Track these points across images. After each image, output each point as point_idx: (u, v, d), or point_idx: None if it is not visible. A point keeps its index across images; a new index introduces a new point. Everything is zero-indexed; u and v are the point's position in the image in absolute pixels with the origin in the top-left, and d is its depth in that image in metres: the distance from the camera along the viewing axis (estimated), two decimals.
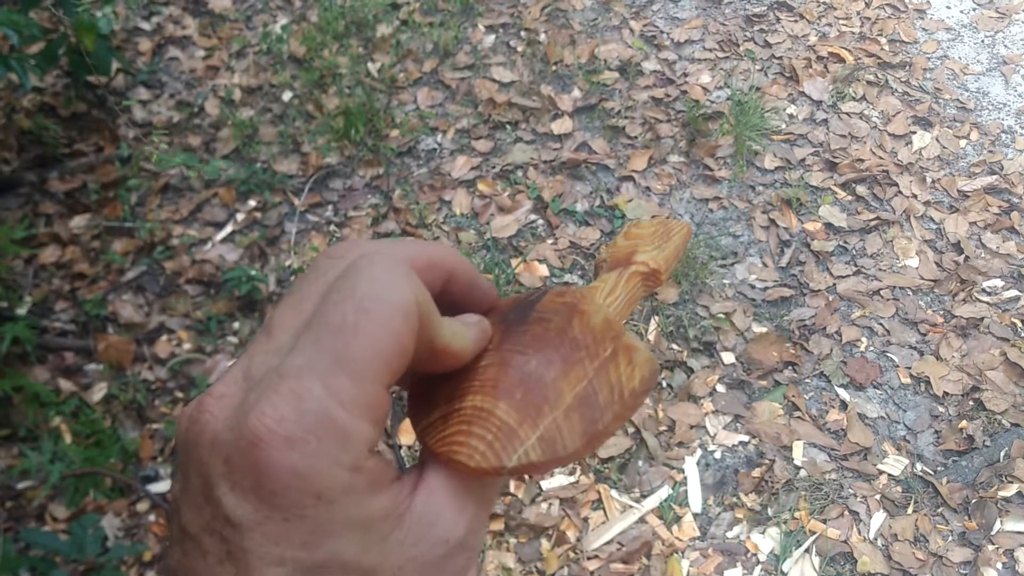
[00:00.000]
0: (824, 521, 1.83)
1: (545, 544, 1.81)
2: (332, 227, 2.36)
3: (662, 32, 2.82)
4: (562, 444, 0.27)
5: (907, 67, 2.70)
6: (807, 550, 1.80)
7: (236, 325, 2.18)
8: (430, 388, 0.30)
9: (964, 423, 1.95)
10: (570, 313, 0.31)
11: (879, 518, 1.84)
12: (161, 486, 1.92)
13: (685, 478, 1.90)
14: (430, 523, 0.26)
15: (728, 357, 2.07)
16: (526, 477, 1.87)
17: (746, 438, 1.96)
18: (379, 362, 0.24)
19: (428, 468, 0.28)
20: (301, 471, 0.23)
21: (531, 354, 0.29)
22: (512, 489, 1.89)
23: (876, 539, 1.81)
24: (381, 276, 0.25)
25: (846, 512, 1.85)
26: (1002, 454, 1.91)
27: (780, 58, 2.73)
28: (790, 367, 2.06)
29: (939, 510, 1.85)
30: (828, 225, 2.33)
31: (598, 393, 0.29)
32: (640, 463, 1.92)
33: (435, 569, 0.26)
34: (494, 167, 2.47)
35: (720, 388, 2.03)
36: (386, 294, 0.25)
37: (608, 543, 1.81)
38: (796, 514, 1.84)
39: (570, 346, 0.30)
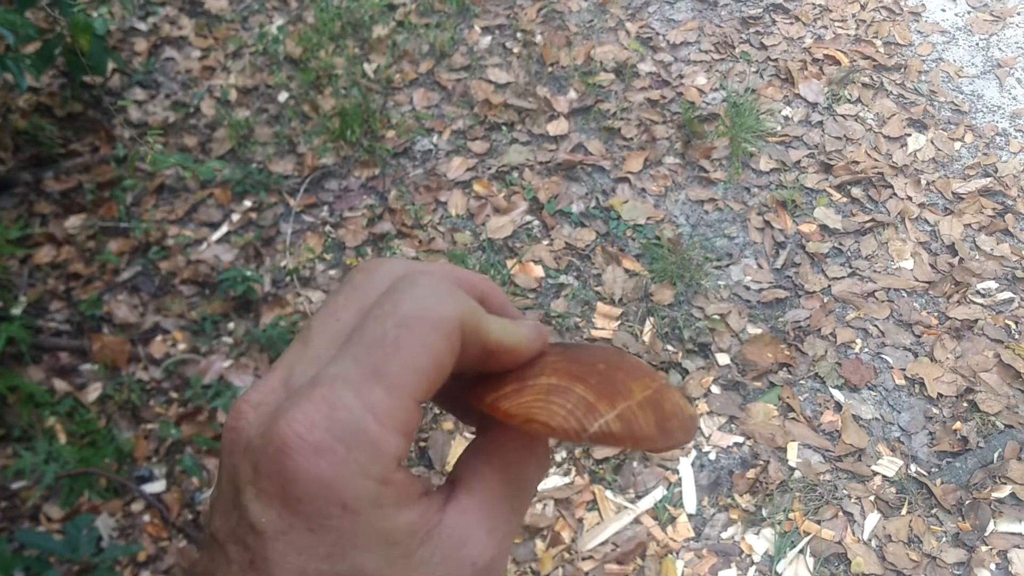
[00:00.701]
0: (818, 522, 1.84)
1: (540, 545, 1.81)
2: (328, 228, 2.36)
3: (658, 34, 2.82)
4: (638, 425, 0.28)
5: (902, 69, 2.71)
6: (801, 551, 1.80)
7: (231, 326, 2.18)
8: (494, 375, 0.30)
9: (958, 424, 1.96)
10: (619, 350, 0.33)
11: (873, 519, 1.84)
12: (155, 486, 1.92)
13: (680, 479, 1.91)
14: (459, 543, 0.26)
15: (723, 358, 2.08)
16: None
17: (741, 439, 1.96)
18: (415, 377, 0.24)
19: (459, 486, 0.27)
20: (327, 480, 0.23)
21: (598, 359, 0.30)
22: None
23: (870, 540, 1.82)
24: (424, 295, 0.25)
25: (840, 513, 1.85)
26: (996, 455, 1.91)
27: (776, 60, 2.74)
28: (785, 368, 2.07)
29: (933, 511, 1.85)
30: (823, 227, 2.33)
31: (663, 403, 0.29)
32: (635, 464, 1.93)
33: None
34: (490, 168, 2.47)
35: (715, 389, 2.03)
36: (429, 312, 0.25)
37: (603, 544, 1.81)
38: (790, 515, 1.84)
39: (630, 365, 0.31)
